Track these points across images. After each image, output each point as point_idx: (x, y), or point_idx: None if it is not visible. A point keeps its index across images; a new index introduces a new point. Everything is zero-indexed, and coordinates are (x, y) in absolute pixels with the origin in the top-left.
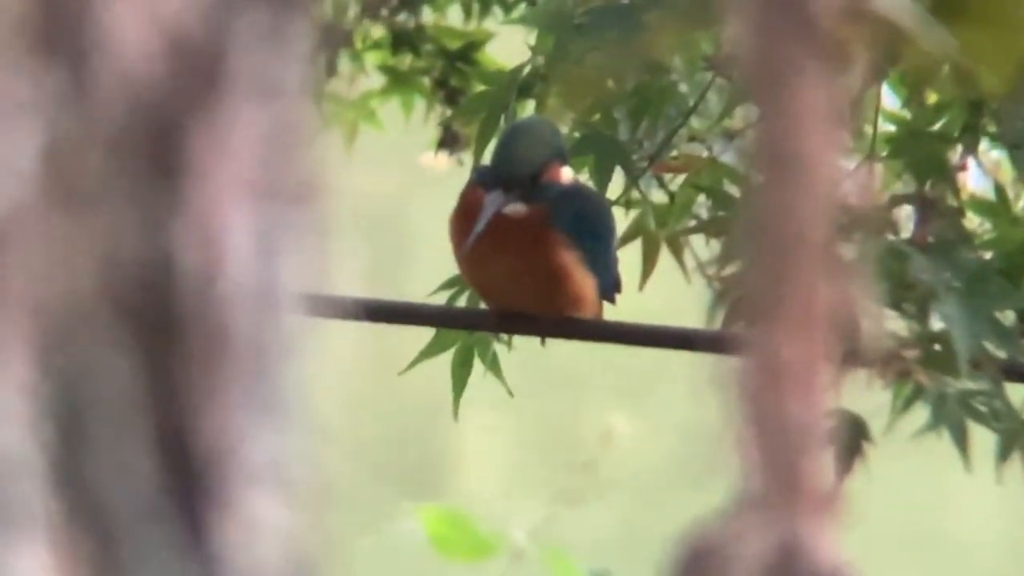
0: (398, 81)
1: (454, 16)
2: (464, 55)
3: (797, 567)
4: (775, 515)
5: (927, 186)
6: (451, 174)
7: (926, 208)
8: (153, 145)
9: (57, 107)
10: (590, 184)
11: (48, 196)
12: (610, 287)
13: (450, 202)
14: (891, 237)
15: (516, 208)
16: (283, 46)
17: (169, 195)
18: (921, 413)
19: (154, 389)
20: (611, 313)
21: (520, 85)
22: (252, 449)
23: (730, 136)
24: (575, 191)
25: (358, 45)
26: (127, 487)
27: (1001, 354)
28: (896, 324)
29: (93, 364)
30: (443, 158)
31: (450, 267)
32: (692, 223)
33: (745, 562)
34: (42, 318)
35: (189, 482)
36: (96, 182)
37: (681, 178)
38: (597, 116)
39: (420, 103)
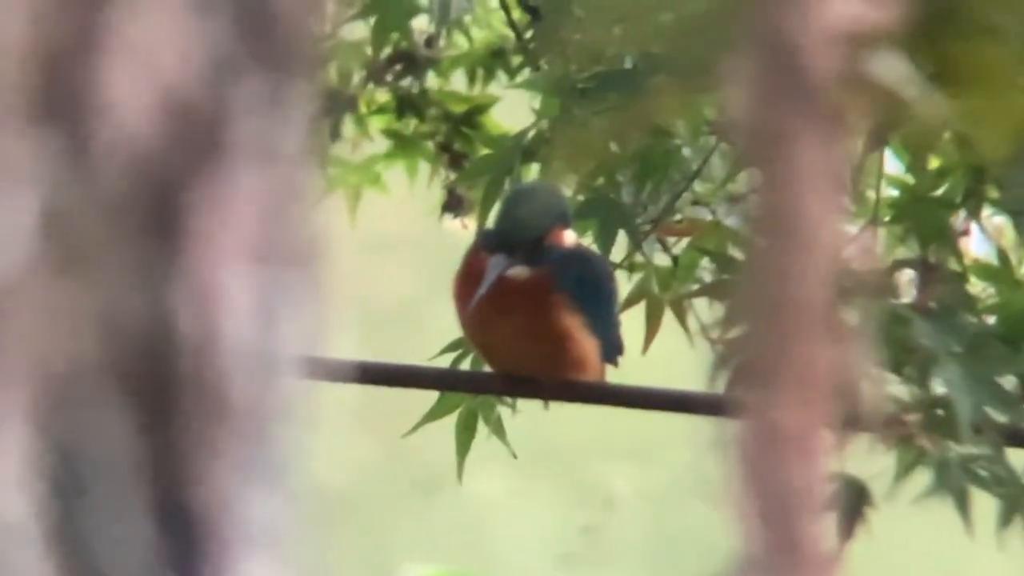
0: (403, 145)
1: (458, 81)
2: (468, 119)
3: None
4: None
5: (929, 251)
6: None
7: (928, 273)
8: (152, 210)
9: (57, 173)
10: (593, 247)
11: (47, 262)
12: (613, 350)
13: (454, 265)
14: (893, 302)
15: (519, 271)
16: (283, 111)
17: (168, 260)
18: (923, 477)
19: (152, 453)
20: (614, 375)
21: (524, 149)
22: (249, 512)
23: (734, 200)
24: (578, 254)
25: (363, 109)
26: (125, 551)
27: (1003, 419)
28: (898, 389)
29: (92, 428)
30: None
31: (455, 330)
32: (696, 286)
33: None
34: (41, 383)
35: (186, 545)
36: (95, 247)
37: (685, 241)
38: (601, 180)
39: (424, 167)
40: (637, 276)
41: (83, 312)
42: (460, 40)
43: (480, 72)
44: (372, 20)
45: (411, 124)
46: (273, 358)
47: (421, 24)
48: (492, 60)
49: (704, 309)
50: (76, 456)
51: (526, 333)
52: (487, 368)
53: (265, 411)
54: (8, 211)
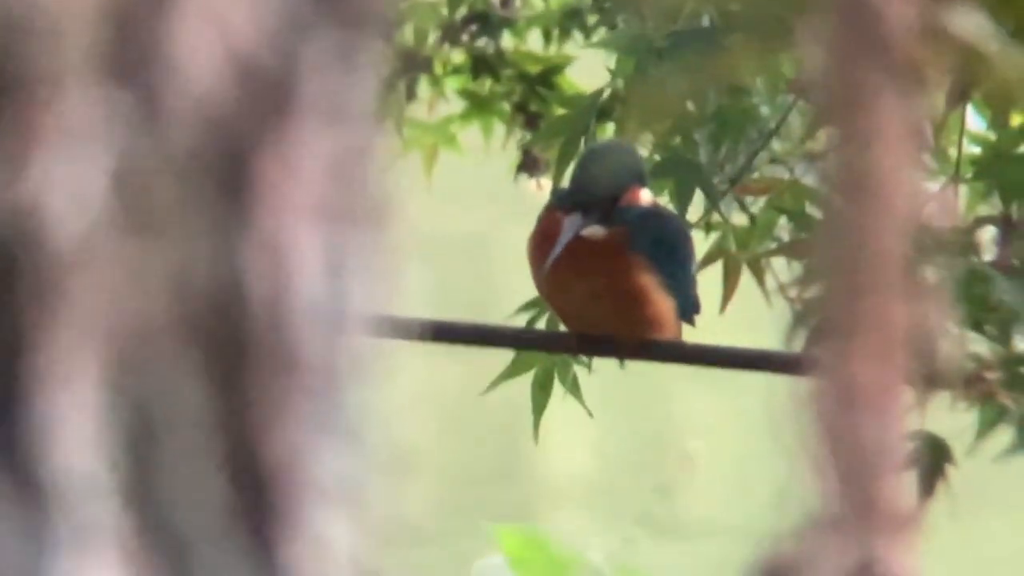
0: (478, 106)
1: (534, 41)
2: (544, 79)
3: None
4: (851, 536)
5: (1012, 208)
6: (530, 197)
7: (1010, 230)
8: (222, 169)
9: (127, 132)
10: (670, 207)
11: (119, 220)
12: (689, 309)
13: (531, 225)
14: (974, 259)
15: (595, 231)
16: (353, 69)
17: (238, 218)
18: (1005, 435)
19: (224, 410)
20: (691, 335)
21: (600, 109)
22: (320, 469)
23: (812, 158)
24: (654, 214)
25: (438, 70)
26: (197, 506)
27: None
28: (979, 346)
29: (164, 385)
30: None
31: (532, 290)
32: (773, 245)
33: None
34: (113, 340)
35: (257, 501)
36: (166, 206)
37: (762, 200)
38: (677, 139)
39: (500, 127)
40: (714, 235)
41: (154, 270)
42: (535, 0)
43: (556, 32)
44: None
45: (486, 84)
46: (343, 315)
47: None
48: (568, 20)
49: (782, 268)
50: (149, 412)
51: (602, 293)
52: (563, 328)
53: (336, 368)
54: (80, 170)
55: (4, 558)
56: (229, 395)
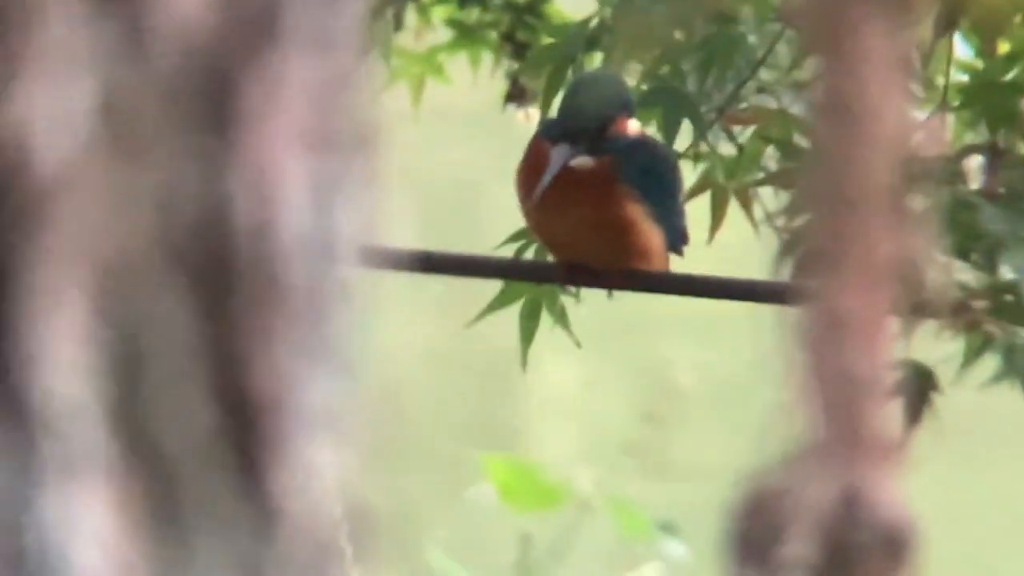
0: (465, 35)
1: None
2: (531, 8)
3: (857, 515)
4: (836, 463)
5: (999, 136)
6: (518, 127)
7: (997, 158)
8: (208, 96)
9: (112, 58)
10: (658, 137)
11: (104, 146)
12: (677, 239)
13: (519, 156)
14: (961, 187)
15: (583, 161)
16: None
17: (224, 145)
18: (990, 363)
19: (210, 336)
20: (679, 265)
21: (587, 38)
22: (306, 395)
23: (799, 87)
24: (642, 144)
25: None
26: (184, 432)
27: None
28: (965, 275)
29: (150, 312)
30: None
31: (519, 220)
32: (761, 175)
33: (806, 509)
34: (99, 266)
35: (244, 427)
36: (151, 132)
37: (750, 130)
38: (665, 68)
39: (488, 57)
40: (702, 165)
41: (140, 196)
42: None
43: None
44: None
45: (474, 13)
46: (330, 243)
47: None
48: None
49: (769, 197)
50: (136, 338)
51: (590, 223)
52: (551, 258)
53: (321, 296)
54: (66, 95)
55: None
56: (216, 321)
